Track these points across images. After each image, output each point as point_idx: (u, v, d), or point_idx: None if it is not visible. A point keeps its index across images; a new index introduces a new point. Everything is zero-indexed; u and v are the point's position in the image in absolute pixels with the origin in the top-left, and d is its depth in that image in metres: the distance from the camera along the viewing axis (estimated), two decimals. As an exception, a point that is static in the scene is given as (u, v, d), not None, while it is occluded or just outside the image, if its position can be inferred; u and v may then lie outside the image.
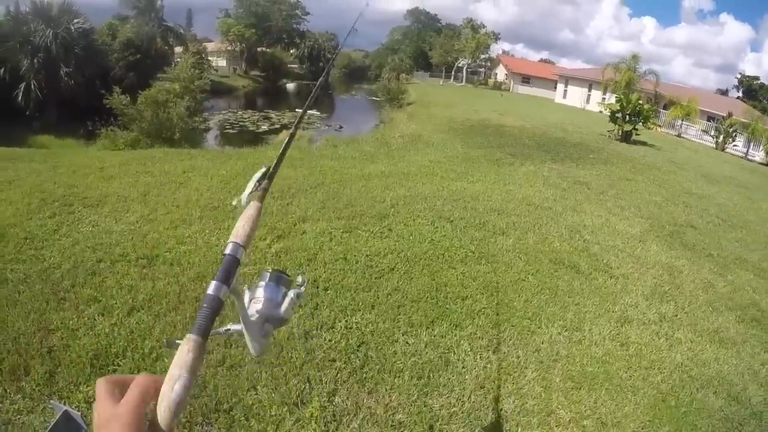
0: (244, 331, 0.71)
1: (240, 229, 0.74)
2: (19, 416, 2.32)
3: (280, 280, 0.77)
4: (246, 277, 3.27)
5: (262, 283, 0.77)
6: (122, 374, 0.63)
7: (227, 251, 0.70)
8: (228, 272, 0.67)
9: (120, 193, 5.57)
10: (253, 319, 0.73)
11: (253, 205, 0.81)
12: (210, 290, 0.64)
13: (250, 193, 0.88)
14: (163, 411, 0.53)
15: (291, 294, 0.76)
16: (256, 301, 0.75)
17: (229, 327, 0.74)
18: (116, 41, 23.98)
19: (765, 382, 3.47)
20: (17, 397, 2.43)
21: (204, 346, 0.59)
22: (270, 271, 0.78)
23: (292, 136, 1.10)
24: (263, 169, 0.92)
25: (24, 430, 2.25)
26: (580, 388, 3.02)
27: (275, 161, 0.96)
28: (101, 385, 0.58)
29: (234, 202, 0.89)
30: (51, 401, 2.38)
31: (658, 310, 4.24)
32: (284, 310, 0.74)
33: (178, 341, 0.63)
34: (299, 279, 0.80)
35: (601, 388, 3.05)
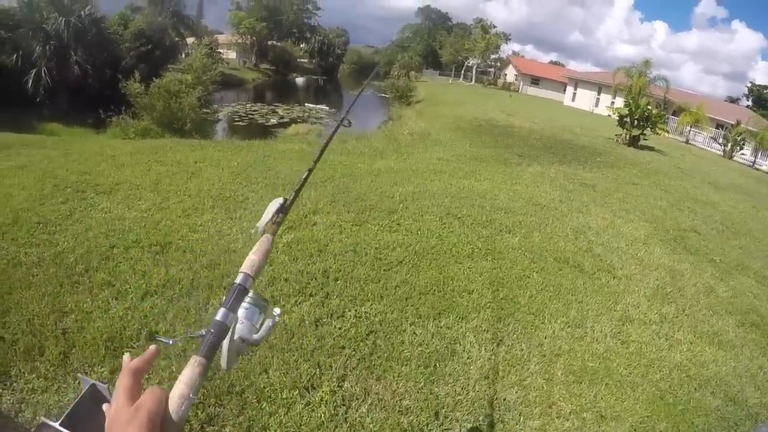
0: (225, 346, 0.73)
1: (251, 261, 0.81)
2: (33, 395, 2.37)
3: (261, 306, 0.80)
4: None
5: (245, 305, 0.78)
6: (142, 358, 0.66)
7: (237, 281, 0.77)
8: (236, 301, 0.74)
9: (132, 181, 5.62)
10: (234, 337, 0.75)
11: (266, 240, 0.88)
12: (218, 317, 0.71)
13: (266, 222, 0.94)
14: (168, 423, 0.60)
15: (268, 322, 0.79)
16: (237, 320, 0.77)
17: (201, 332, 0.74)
18: (127, 31, 24.02)
19: (762, 385, 3.55)
20: (32, 376, 2.47)
21: (208, 366, 0.66)
22: (254, 296, 0.80)
23: (309, 171, 1.16)
24: (280, 201, 0.97)
25: (38, 408, 2.30)
26: (580, 382, 3.10)
27: (292, 196, 1.02)
28: (125, 380, 0.63)
29: (252, 230, 0.96)
30: (78, 374, 2.45)
31: (659, 311, 4.32)
32: (259, 336, 0.77)
33: (161, 338, 0.72)
34: (276, 310, 0.82)
35: (602, 382, 3.13)
